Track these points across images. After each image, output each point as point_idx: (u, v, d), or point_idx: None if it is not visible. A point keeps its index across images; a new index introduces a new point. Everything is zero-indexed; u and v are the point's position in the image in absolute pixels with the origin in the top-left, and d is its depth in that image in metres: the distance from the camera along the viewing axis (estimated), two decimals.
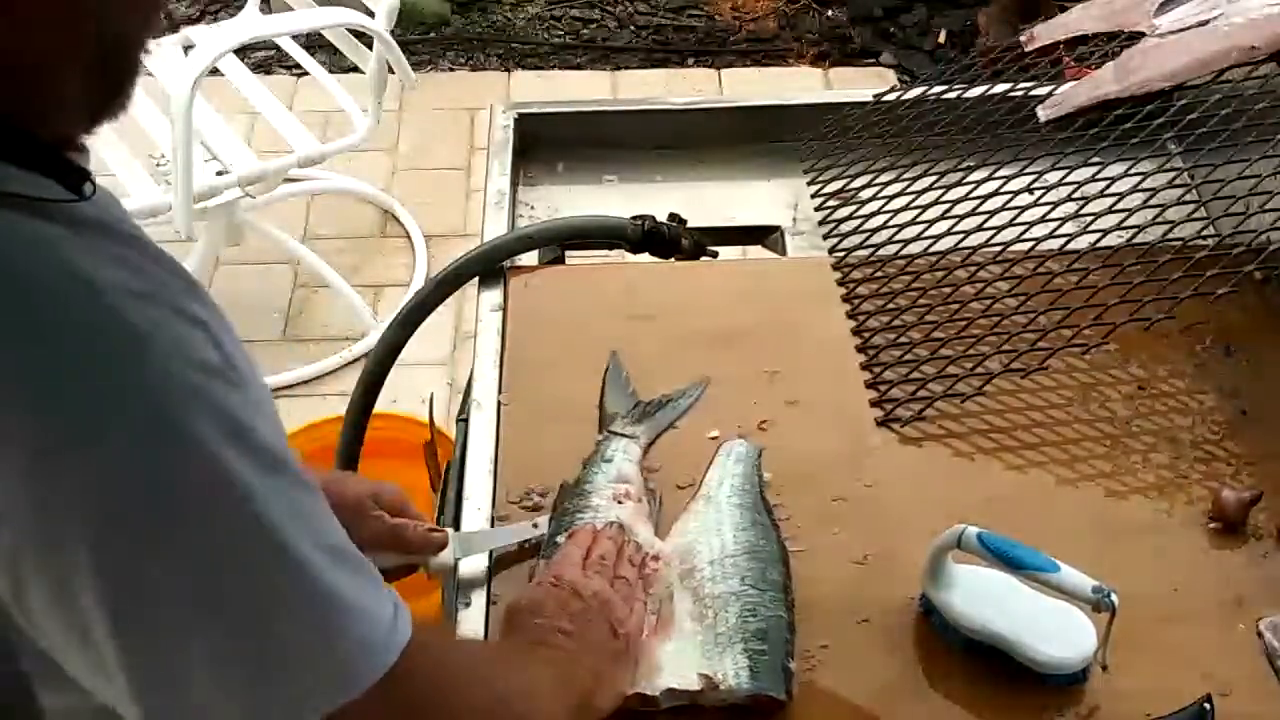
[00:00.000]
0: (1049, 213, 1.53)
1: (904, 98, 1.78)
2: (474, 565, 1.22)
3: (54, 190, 0.74)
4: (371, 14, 2.87)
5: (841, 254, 1.59)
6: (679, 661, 1.10)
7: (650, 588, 1.16)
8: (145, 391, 0.71)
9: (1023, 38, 1.79)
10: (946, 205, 1.59)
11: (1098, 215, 1.52)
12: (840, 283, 1.55)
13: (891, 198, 1.63)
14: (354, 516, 1.13)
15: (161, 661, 0.75)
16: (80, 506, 0.71)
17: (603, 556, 1.15)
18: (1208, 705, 1.08)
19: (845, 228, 1.63)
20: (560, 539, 1.19)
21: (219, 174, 2.89)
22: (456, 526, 1.27)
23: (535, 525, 1.24)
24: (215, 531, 0.73)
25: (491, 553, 1.23)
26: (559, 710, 0.99)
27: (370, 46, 2.89)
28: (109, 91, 0.78)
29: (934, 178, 1.63)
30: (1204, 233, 1.49)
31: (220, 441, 0.73)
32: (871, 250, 1.58)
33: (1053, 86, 1.71)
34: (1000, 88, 1.74)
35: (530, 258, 1.61)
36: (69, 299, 0.71)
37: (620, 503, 1.23)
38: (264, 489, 0.75)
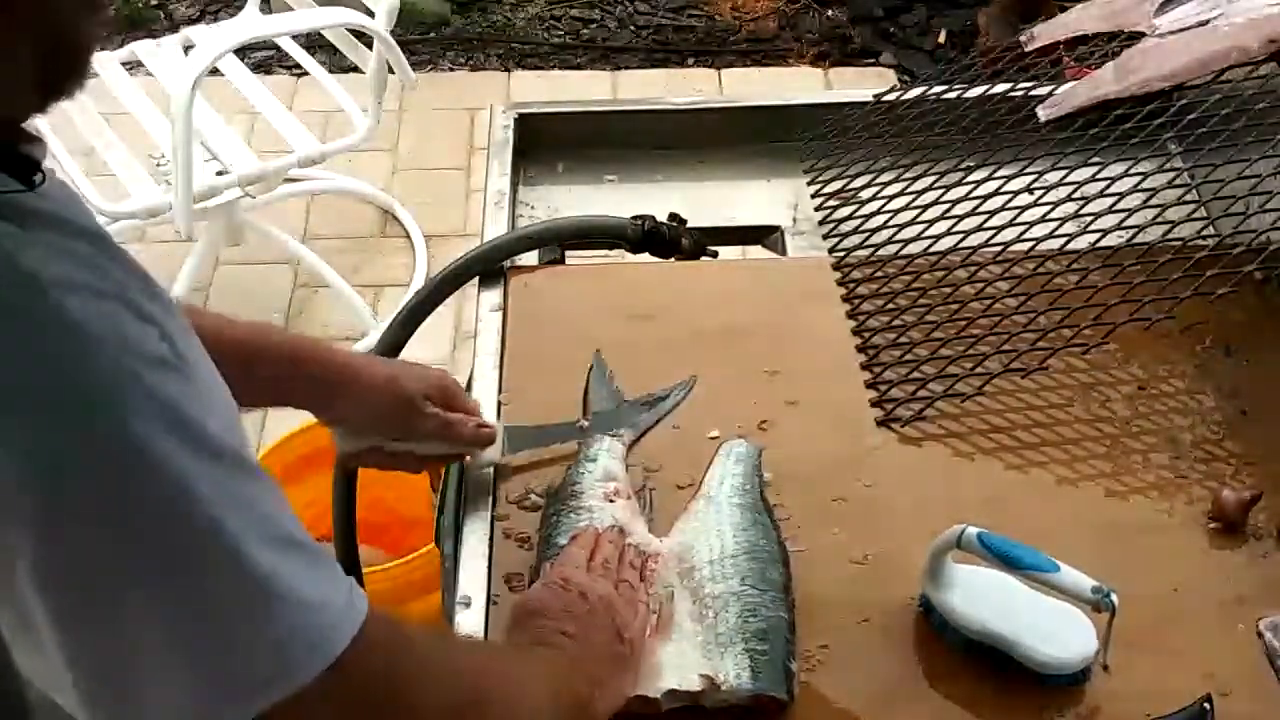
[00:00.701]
0: (1049, 213, 1.53)
1: (904, 98, 1.78)
2: (474, 565, 1.22)
3: (3, 181, 0.74)
4: (371, 14, 2.87)
5: (841, 254, 1.59)
6: (680, 662, 1.10)
7: (649, 589, 1.16)
8: (85, 384, 0.71)
9: (1023, 38, 1.79)
10: (946, 205, 1.59)
11: (1098, 215, 1.52)
12: (840, 283, 1.55)
13: (891, 198, 1.63)
14: (408, 412, 1.23)
15: (99, 651, 0.75)
16: (16, 498, 0.71)
17: (606, 560, 1.15)
18: (1208, 705, 1.08)
19: (845, 228, 1.63)
20: (560, 539, 1.19)
21: (219, 174, 2.89)
22: (456, 532, 1.27)
23: (580, 426, 1.32)
24: (151, 523, 0.73)
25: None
26: (548, 712, 0.99)
27: (370, 46, 2.89)
28: (56, 77, 0.77)
29: (934, 178, 1.63)
30: (1204, 233, 1.49)
31: (161, 434, 0.73)
32: (871, 250, 1.58)
33: (1053, 86, 1.71)
34: (1000, 88, 1.74)
35: (530, 258, 1.61)
36: (9, 291, 0.71)
37: (612, 500, 1.23)
38: (205, 480, 0.74)
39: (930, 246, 1.56)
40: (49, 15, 0.74)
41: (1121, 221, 1.51)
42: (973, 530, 1.11)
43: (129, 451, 0.72)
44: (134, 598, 0.74)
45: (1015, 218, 1.54)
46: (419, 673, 0.88)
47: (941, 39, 4.04)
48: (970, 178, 1.61)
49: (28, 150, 0.76)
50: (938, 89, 1.77)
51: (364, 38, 2.94)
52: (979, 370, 1.41)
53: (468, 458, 1.30)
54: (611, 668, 1.06)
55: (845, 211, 1.65)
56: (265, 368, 1.18)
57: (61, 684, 0.76)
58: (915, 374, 1.41)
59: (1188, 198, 1.53)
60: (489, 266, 1.57)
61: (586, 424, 1.33)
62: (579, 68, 4.06)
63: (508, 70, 4.04)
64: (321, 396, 1.22)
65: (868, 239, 1.60)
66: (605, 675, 1.05)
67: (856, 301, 1.52)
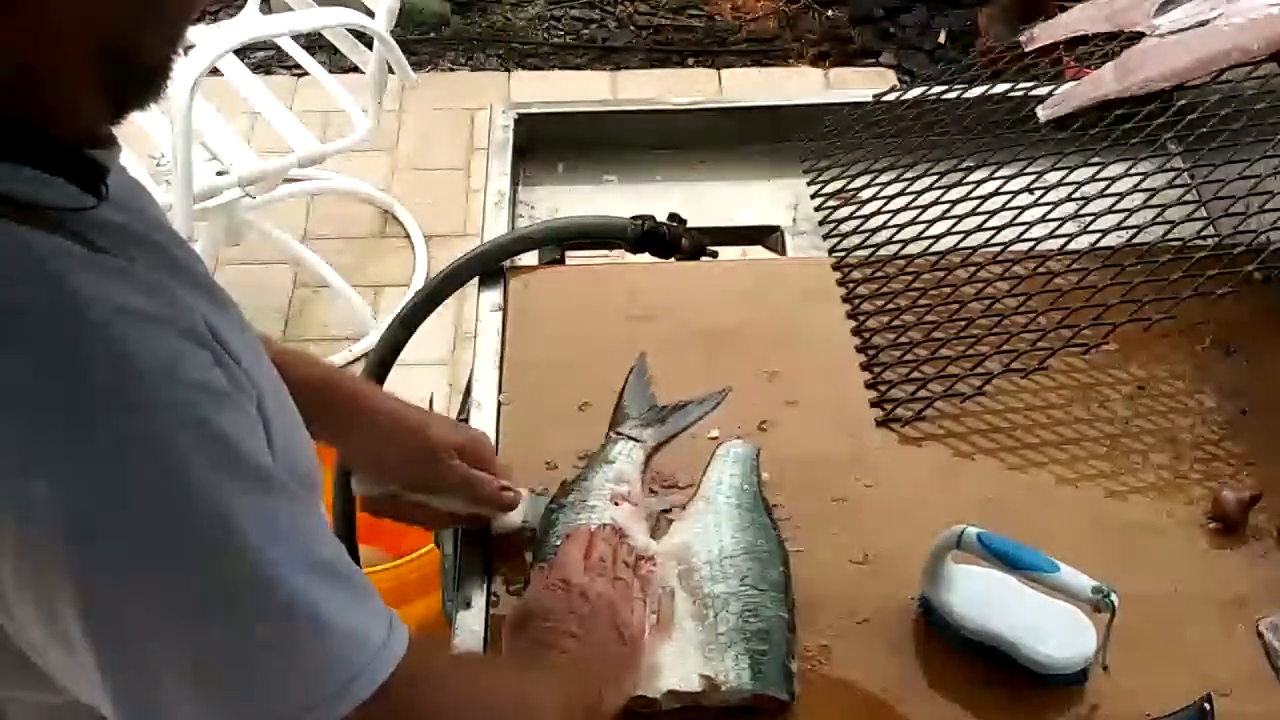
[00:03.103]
0: (1049, 213, 1.53)
1: (904, 98, 1.78)
2: (474, 565, 1.22)
3: (66, 192, 0.74)
4: (371, 14, 2.87)
5: (841, 254, 1.59)
6: (680, 662, 1.10)
7: (645, 589, 1.16)
8: (124, 411, 0.71)
9: (1023, 38, 1.79)
10: (946, 205, 1.59)
11: (1098, 215, 1.52)
12: (840, 283, 1.55)
13: (891, 198, 1.63)
14: (432, 460, 1.18)
15: (137, 676, 0.74)
16: (58, 522, 0.70)
17: (601, 558, 1.15)
18: (1208, 705, 1.08)
19: (845, 228, 1.63)
20: (554, 539, 1.19)
21: (219, 174, 2.89)
22: (456, 532, 1.27)
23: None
24: (189, 554, 0.73)
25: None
26: (563, 712, 0.99)
27: (370, 46, 2.89)
28: (129, 88, 0.77)
29: (934, 178, 1.63)
30: (1204, 233, 1.49)
31: (205, 466, 0.72)
32: (871, 250, 1.58)
33: (1053, 86, 1.71)
34: (1000, 88, 1.74)
35: (530, 258, 1.61)
36: (52, 315, 0.71)
37: (617, 504, 1.23)
38: (249, 512, 0.74)
39: (930, 246, 1.56)
40: (103, 24, 0.73)
41: (1121, 221, 1.51)
42: (973, 530, 1.11)
43: (171, 484, 0.72)
44: (173, 627, 0.74)
45: (1015, 218, 1.54)
46: (448, 707, 0.88)
47: (941, 39, 4.04)
48: (970, 178, 1.61)
49: (96, 155, 0.76)
50: (938, 89, 1.77)
51: (364, 38, 2.94)
52: (979, 370, 1.41)
53: (491, 521, 1.24)
54: (616, 666, 1.06)
55: (845, 211, 1.65)
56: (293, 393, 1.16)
57: (101, 702, 0.76)
58: (915, 374, 1.41)
59: (1188, 198, 1.53)
60: (489, 266, 1.57)
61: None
62: (579, 68, 4.06)
63: (508, 70, 4.05)
64: (344, 427, 1.18)
65: (868, 239, 1.60)
66: (611, 674, 1.05)
67: (856, 301, 1.52)
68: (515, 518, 1.24)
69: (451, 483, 1.20)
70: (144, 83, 0.78)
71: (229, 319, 0.78)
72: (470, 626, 1.17)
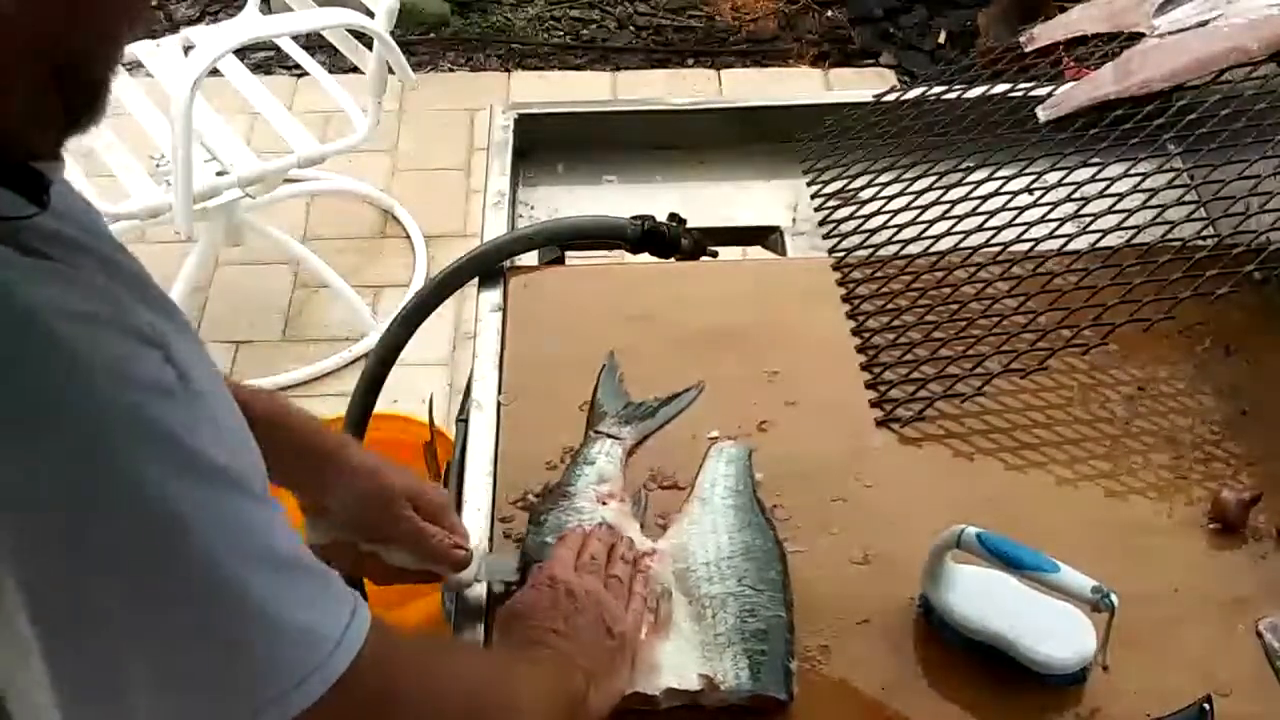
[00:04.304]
0: (1049, 213, 1.53)
1: (904, 98, 1.78)
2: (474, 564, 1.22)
3: (9, 202, 0.73)
4: (371, 14, 2.87)
5: (841, 254, 1.59)
6: (679, 661, 1.10)
7: (647, 585, 1.16)
8: (77, 415, 0.71)
9: (1023, 38, 1.79)
10: (946, 205, 1.59)
11: (1097, 215, 1.52)
12: (840, 283, 1.55)
13: (891, 198, 1.63)
14: (384, 507, 1.14)
15: (86, 677, 0.74)
16: (7, 525, 0.70)
17: (594, 556, 1.15)
18: (1208, 705, 1.08)
19: (845, 228, 1.63)
20: (548, 538, 1.19)
21: (219, 174, 2.89)
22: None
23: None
24: (138, 553, 0.73)
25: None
26: (549, 713, 0.99)
27: (370, 46, 2.89)
28: (73, 108, 0.77)
29: (934, 178, 1.63)
30: (1204, 233, 1.49)
31: (154, 462, 0.72)
32: (871, 250, 1.58)
33: (1053, 86, 1.71)
34: (1000, 88, 1.74)
35: (530, 258, 1.61)
36: (4, 324, 0.70)
37: (604, 504, 1.23)
38: (200, 507, 0.74)
39: (930, 246, 1.56)
40: (47, 43, 0.73)
41: (1121, 222, 1.51)
42: (972, 530, 1.11)
43: (121, 483, 0.72)
44: (123, 625, 0.74)
45: (1015, 218, 1.54)
46: (416, 691, 0.88)
47: (941, 39, 4.04)
48: (970, 178, 1.61)
49: (40, 167, 0.76)
50: (938, 89, 1.77)
51: (364, 38, 2.94)
52: (979, 370, 1.41)
53: (443, 578, 1.19)
54: (603, 661, 1.06)
55: (845, 212, 1.65)
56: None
57: (45, 703, 0.75)
58: (915, 374, 1.41)
59: (1187, 198, 1.53)
60: (489, 267, 1.57)
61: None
62: (579, 68, 4.06)
63: (508, 70, 4.05)
64: (299, 467, 1.13)
65: (868, 239, 1.60)
66: (598, 669, 1.05)
67: (856, 301, 1.52)
68: (467, 576, 1.18)
69: (402, 532, 1.15)
70: (88, 101, 0.78)
71: (176, 325, 0.78)
72: (469, 627, 1.17)
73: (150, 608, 0.74)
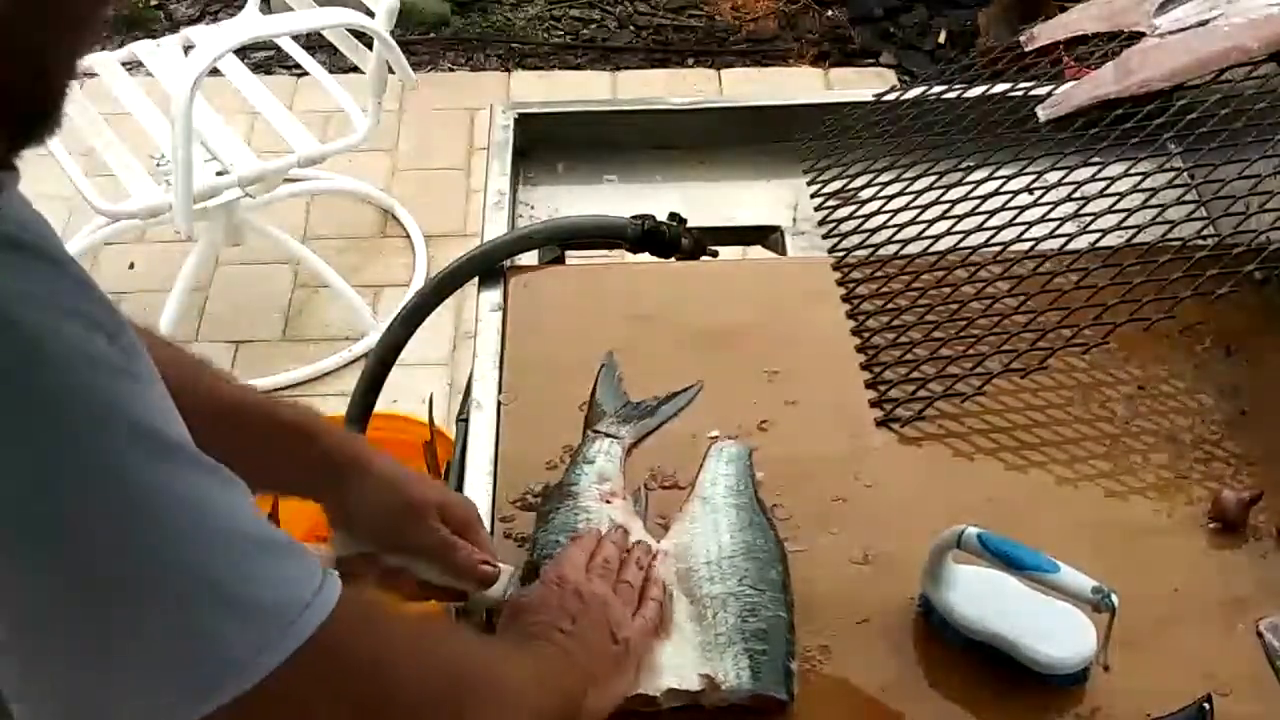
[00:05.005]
0: (1049, 213, 1.53)
1: (904, 98, 1.78)
2: None
3: None
4: (371, 14, 2.87)
5: (841, 254, 1.59)
6: (679, 662, 1.10)
7: (663, 591, 1.15)
8: (32, 392, 0.71)
9: (1023, 38, 1.79)
10: (946, 205, 1.59)
11: (1098, 215, 1.52)
12: (840, 283, 1.55)
13: (891, 198, 1.63)
14: (412, 518, 1.12)
15: (41, 658, 0.75)
16: None
17: (606, 560, 1.14)
18: (1208, 705, 1.08)
19: (845, 228, 1.63)
20: (556, 538, 1.19)
21: (219, 174, 2.89)
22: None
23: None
24: (100, 525, 0.73)
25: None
26: (533, 701, 0.98)
27: (370, 46, 2.89)
28: (23, 117, 0.77)
29: (934, 178, 1.63)
30: (1204, 233, 1.49)
31: (112, 437, 0.73)
32: (871, 250, 1.58)
33: (1053, 86, 1.71)
34: (1000, 88, 1.74)
35: (530, 258, 1.61)
36: None
37: (608, 502, 1.23)
38: (157, 480, 0.74)
39: (930, 246, 1.56)
40: (10, 55, 0.73)
41: (1121, 221, 1.51)
42: (973, 530, 1.11)
43: (80, 458, 0.72)
44: (86, 598, 0.74)
45: (1015, 218, 1.54)
46: (395, 658, 0.87)
47: (941, 39, 4.04)
48: (970, 178, 1.61)
49: None
50: (938, 89, 1.77)
51: (364, 38, 2.94)
52: (979, 370, 1.41)
53: (469, 594, 1.16)
54: (606, 665, 1.06)
55: (845, 211, 1.65)
56: (270, 440, 1.11)
57: (6, 682, 0.76)
58: (915, 374, 1.41)
59: (1188, 198, 1.53)
60: (489, 266, 1.57)
61: None
62: (579, 68, 4.06)
63: (508, 70, 4.05)
64: (329, 479, 1.12)
65: (868, 239, 1.60)
66: (599, 672, 1.05)
67: (856, 301, 1.52)
68: (495, 593, 1.14)
69: (429, 544, 1.12)
70: (40, 111, 0.78)
71: (120, 321, 0.78)
72: (470, 626, 1.17)
73: (109, 576, 0.74)
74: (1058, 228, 1.52)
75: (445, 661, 0.93)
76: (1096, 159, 1.58)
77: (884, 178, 1.66)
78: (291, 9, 3.09)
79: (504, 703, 0.95)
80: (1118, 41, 1.70)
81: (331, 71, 3.25)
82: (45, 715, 0.77)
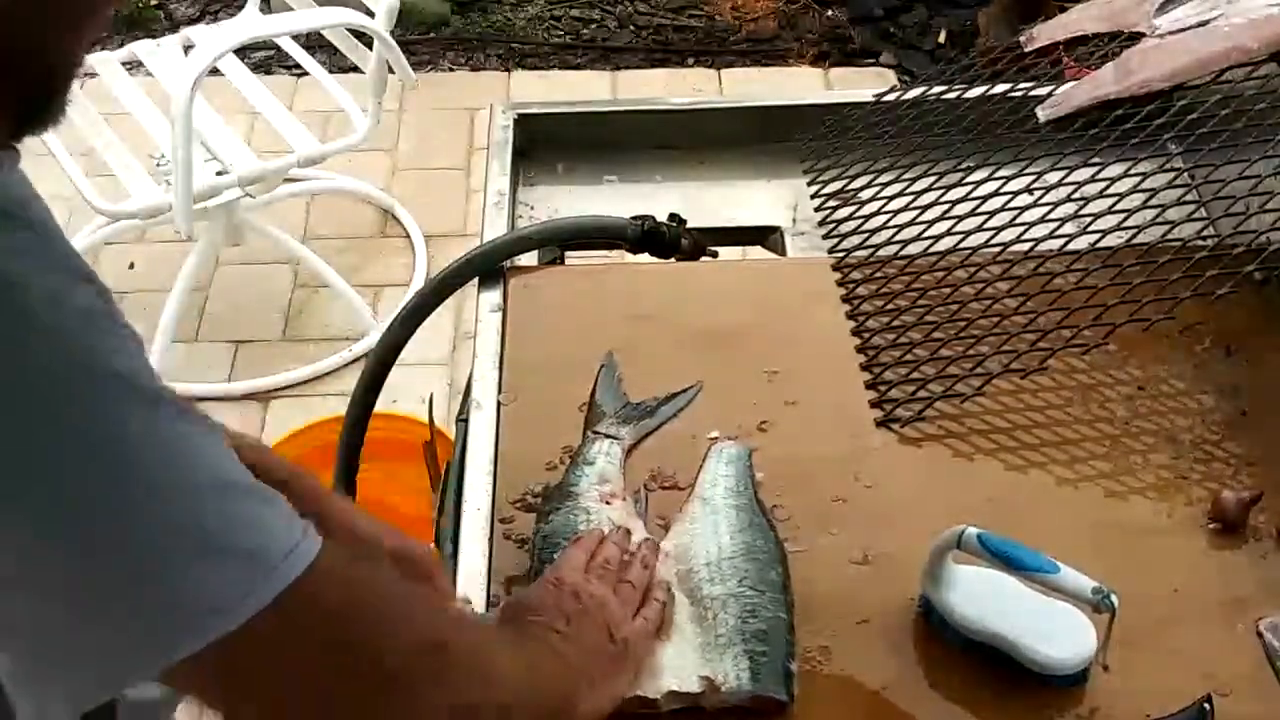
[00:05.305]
0: (1049, 213, 1.53)
1: (904, 98, 1.78)
2: (473, 565, 1.22)
3: None
4: (371, 14, 2.87)
5: (841, 254, 1.59)
6: (679, 663, 1.10)
7: (666, 593, 1.15)
8: (15, 339, 0.72)
9: (1023, 38, 1.79)
10: (946, 205, 1.59)
11: (1097, 215, 1.52)
12: (840, 283, 1.55)
13: (891, 198, 1.63)
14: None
15: (21, 597, 0.76)
16: None
17: (607, 561, 1.14)
18: (1208, 705, 1.08)
19: (845, 228, 1.63)
20: (556, 539, 1.19)
21: (219, 174, 2.89)
22: (455, 533, 1.27)
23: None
24: (83, 471, 0.74)
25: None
26: (522, 683, 0.98)
27: (370, 46, 2.89)
28: (26, 100, 0.78)
29: (934, 178, 1.63)
30: (1204, 233, 1.49)
31: (95, 384, 0.74)
32: (871, 250, 1.58)
33: (1053, 86, 1.71)
34: (1000, 88, 1.74)
35: (530, 258, 1.61)
36: None
37: (608, 503, 1.23)
38: (140, 427, 0.75)
39: (930, 246, 1.56)
40: (13, 38, 0.74)
41: (1121, 222, 1.51)
42: (973, 531, 1.11)
43: (64, 404, 0.73)
44: (67, 542, 0.74)
45: (1015, 218, 1.54)
46: (378, 614, 0.87)
47: (941, 39, 4.04)
48: (970, 178, 1.61)
49: None
50: (938, 89, 1.77)
51: (364, 38, 2.94)
52: (979, 370, 1.41)
53: None
54: (603, 665, 1.05)
55: (845, 212, 1.65)
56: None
57: None
58: (915, 374, 1.41)
59: (1188, 198, 1.53)
60: (489, 267, 1.56)
61: None
62: (579, 68, 4.06)
63: (508, 70, 4.05)
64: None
65: (868, 239, 1.60)
66: (595, 672, 1.04)
67: (856, 301, 1.52)
68: None
69: None
70: (43, 95, 0.79)
71: (102, 285, 0.80)
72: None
73: (91, 525, 0.75)
74: (1058, 228, 1.52)
75: (431, 627, 0.93)
76: (1096, 159, 1.58)
77: (884, 178, 1.66)
78: (291, 9, 3.09)
79: (489, 681, 0.94)
80: (1118, 41, 1.70)
81: (331, 71, 3.25)
82: (20, 659, 0.77)
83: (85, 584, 0.75)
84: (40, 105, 0.79)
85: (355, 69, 3.06)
